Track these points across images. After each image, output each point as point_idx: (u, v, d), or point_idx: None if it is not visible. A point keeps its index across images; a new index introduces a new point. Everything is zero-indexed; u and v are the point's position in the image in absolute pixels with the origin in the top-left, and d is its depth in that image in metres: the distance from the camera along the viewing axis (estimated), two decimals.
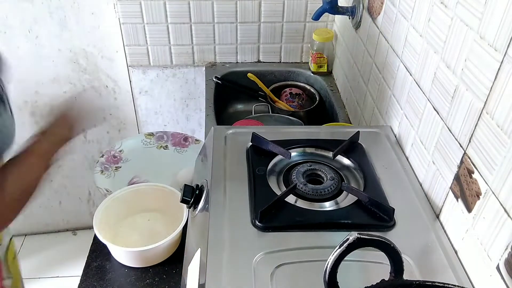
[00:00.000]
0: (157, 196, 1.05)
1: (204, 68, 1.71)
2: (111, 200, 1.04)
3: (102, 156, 1.21)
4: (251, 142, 0.94)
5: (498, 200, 0.63)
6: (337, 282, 0.56)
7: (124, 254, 0.97)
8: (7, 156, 0.83)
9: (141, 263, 0.98)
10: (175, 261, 0.99)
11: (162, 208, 1.07)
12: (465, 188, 0.72)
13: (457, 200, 0.74)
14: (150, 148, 1.29)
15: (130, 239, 1.04)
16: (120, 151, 1.24)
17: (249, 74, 1.55)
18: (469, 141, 0.71)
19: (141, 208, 1.09)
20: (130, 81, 1.76)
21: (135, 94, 1.80)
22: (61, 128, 0.89)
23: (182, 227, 0.97)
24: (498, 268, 0.63)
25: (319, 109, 1.56)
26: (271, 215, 0.76)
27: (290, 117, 1.43)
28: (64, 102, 0.93)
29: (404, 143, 0.97)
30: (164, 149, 1.30)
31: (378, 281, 0.55)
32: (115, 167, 1.19)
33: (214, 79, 1.58)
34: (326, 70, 1.62)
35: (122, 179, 1.16)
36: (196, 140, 1.34)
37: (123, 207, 1.06)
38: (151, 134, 1.32)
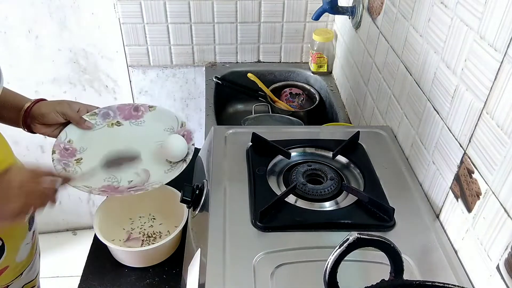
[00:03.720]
0: (157, 196, 1.05)
1: (204, 68, 1.71)
2: (111, 200, 1.03)
3: (54, 152, 1.02)
4: (251, 142, 0.94)
5: (498, 200, 0.63)
6: (337, 282, 0.56)
7: (124, 254, 0.97)
8: None
9: (141, 263, 0.98)
10: (175, 261, 0.99)
11: (162, 207, 1.07)
12: (465, 188, 0.72)
13: (457, 200, 0.74)
14: (100, 129, 1.09)
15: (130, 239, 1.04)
16: (69, 141, 1.05)
17: (249, 74, 1.55)
18: (469, 141, 0.71)
19: (141, 208, 1.09)
20: (130, 81, 1.76)
21: (135, 94, 1.79)
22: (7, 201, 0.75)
23: (182, 227, 0.96)
24: (498, 268, 0.63)
25: (319, 109, 1.56)
26: (271, 215, 0.76)
27: (290, 117, 1.43)
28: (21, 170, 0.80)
29: (404, 143, 0.97)
30: (117, 125, 1.11)
31: (378, 281, 0.55)
32: (75, 160, 1.02)
33: (214, 79, 1.58)
34: (326, 70, 1.62)
35: (92, 169, 0.98)
36: (150, 106, 1.14)
37: (123, 207, 1.06)
38: (94, 114, 1.10)
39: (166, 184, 0.97)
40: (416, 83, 0.91)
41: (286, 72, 1.69)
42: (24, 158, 1.00)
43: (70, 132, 1.05)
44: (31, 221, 0.98)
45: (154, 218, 1.09)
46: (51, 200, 0.80)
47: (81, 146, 1.05)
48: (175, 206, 0.99)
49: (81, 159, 1.03)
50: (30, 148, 1.91)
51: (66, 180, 0.83)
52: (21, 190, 0.75)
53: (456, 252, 0.74)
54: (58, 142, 1.04)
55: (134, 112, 1.13)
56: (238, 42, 1.67)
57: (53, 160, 1.00)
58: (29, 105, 0.98)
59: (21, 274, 0.97)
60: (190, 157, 0.99)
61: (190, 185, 0.92)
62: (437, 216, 0.81)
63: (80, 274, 0.97)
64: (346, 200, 0.82)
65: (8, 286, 0.94)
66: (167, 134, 1.06)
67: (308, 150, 0.95)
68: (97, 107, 1.10)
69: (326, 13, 1.41)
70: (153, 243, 1.00)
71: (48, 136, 1.04)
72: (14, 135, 1.01)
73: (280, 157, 0.92)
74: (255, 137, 0.93)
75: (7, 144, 0.92)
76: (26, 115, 0.98)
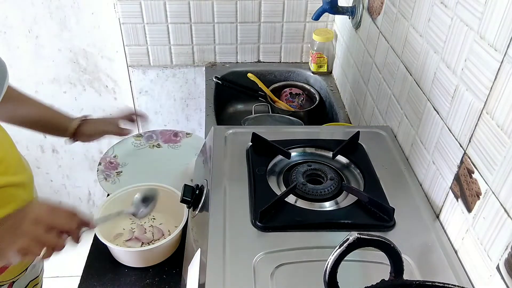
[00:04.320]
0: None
1: (204, 68, 1.71)
2: (110, 200, 1.03)
3: (100, 164, 1.23)
4: (251, 142, 0.94)
5: (498, 200, 0.63)
6: (337, 282, 0.56)
7: (124, 254, 0.97)
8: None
9: (141, 263, 0.98)
10: (175, 261, 0.99)
11: (162, 207, 1.07)
12: (465, 188, 0.72)
13: (457, 200, 0.74)
14: (143, 149, 1.30)
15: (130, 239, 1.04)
16: (115, 156, 1.26)
17: (249, 74, 1.55)
18: (469, 141, 0.71)
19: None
20: (130, 81, 1.76)
21: (135, 94, 1.80)
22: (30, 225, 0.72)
23: (182, 227, 0.96)
24: (498, 268, 0.63)
25: (319, 109, 1.56)
26: (271, 215, 0.76)
27: (290, 117, 1.43)
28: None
29: (404, 143, 0.97)
30: (157, 147, 1.31)
31: (378, 281, 0.55)
32: (116, 172, 1.22)
33: (214, 79, 1.58)
34: (326, 70, 1.62)
35: (127, 182, 1.17)
36: (187, 133, 1.35)
37: (122, 207, 1.06)
38: (140, 136, 1.33)
39: (166, 184, 0.99)
40: (416, 83, 0.91)
41: (286, 72, 1.69)
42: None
43: (117, 149, 1.27)
44: None
45: (154, 218, 1.09)
46: (66, 242, 0.76)
47: (123, 161, 1.25)
48: (175, 206, 0.99)
49: (121, 172, 1.22)
50: (30, 148, 1.91)
51: (86, 224, 0.78)
52: (34, 225, 0.71)
53: (456, 252, 0.74)
54: (105, 156, 1.25)
55: (174, 137, 1.33)
56: (238, 42, 1.67)
57: (97, 170, 1.20)
58: (74, 128, 1.06)
59: (26, 270, 0.97)
60: None
61: (190, 185, 0.92)
62: (437, 216, 0.81)
63: (80, 274, 0.97)
64: (346, 200, 0.82)
65: (13, 282, 0.94)
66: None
67: (308, 150, 0.95)
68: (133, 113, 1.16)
69: (326, 13, 1.41)
70: (153, 243, 1.00)
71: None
72: (13, 134, 1.01)
73: (280, 157, 0.92)
74: (255, 137, 0.93)
75: (10, 140, 0.92)
76: (71, 136, 1.07)
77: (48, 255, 0.74)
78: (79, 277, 0.96)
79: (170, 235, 0.96)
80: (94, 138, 1.09)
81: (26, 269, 0.97)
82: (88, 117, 1.10)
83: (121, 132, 1.10)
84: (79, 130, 1.06)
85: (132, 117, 1.12)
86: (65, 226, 0.75)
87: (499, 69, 0.63)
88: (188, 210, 0.93)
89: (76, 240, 0.77)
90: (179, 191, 1.03)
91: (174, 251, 1.01)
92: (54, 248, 0.74)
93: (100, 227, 0.97)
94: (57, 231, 0.74)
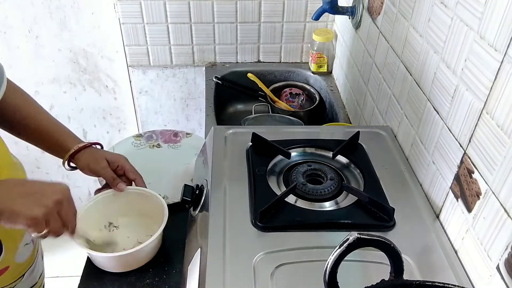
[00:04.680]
0: (137, 200, 1.00)
1: (204, 68, 1.71)
2: (90, 205, 0.97)
3: None
4: (251, 142, 0.94)
5: (498, 200, 0.63)
6: (337, 282, 0.56)
7: (100, 260, 0.93)
8: None
9: (119, 268, 0.94)
10: (175, 261, 0.99)
11: (142, 212, 1.02)
12: (465, 188, 0.72)
13: (457, 200, 0.74)
14: (143, 148, 1.29)
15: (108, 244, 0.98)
16: None
17: (249, 74, 1.55)
18: (469, 141, 0.71)
19: (121, 212, 1.02)
20: (130, 81, 1.76)
21: (135, 94, 1.80)
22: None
23: (161, 231, 0.91)
24: (498, 268, 0.63)
25: (319, 109, 1.56)
26: (271, 215, 0.76)
27: (290, 117, 1.43)
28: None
29: (404, 143, 0.97)
30: (157, 147, 1.31)
31: (378, 281, 0.55)
32: None
33: (214, 79, 1.58)
34: (326, 70, 1.62)
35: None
36: (187, 133, 1.34)
37: (102, 212, 1.00)
38: (140, 136, 1.33)
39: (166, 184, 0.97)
40: (416, 83, 0.91)
41: (286, 72, 1.69)
42: (24, 158, 1.00)
43: (117, 149, 1.24)
44: None
45: (134, 223, 1.03)
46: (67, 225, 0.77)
47: None
48: (156, 210, 0.95)
49: None
50: (30, 148, 1.90)
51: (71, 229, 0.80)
52: (55, 204, 0.73)
53: (456, 252, 0.74)
54: None
55: (174, 137, 1.32)
56: (238, 42, 1.67)
57: None
58: (74, 150, 0.97)
59: (23, 276, 0.96)
60: None
61: (190, 185, 0.92)
62: (437, 216, 0.81)
63: (80, 274, 0.97)
64: (346, 200, 0.82)
65: None
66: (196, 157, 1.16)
67: (308, 150, 0.95)
68: (135, 172, 1.04)
69: (326, 13, 1.41)
70: (132, 248, 0.92)
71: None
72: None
73: (280, 157, 0.92)
74: (255, 137, 0.93)
75: (3, 143, 0.90)
76: (69, 160, 0.98)
77: (44, 236, 0.75)
78: (79, 277, 0.96)
79: (149, 239, 0.90)
80: (87, 173, 0.99)
81: (23, 275, 0.95)
82: (95, 146, 1.01)
83: (113, 183, 0.97)
84: (77, 157, 0.97)
85: (130, 176, 1.01)
86: (71, 220, 0.78)
87: (499, 69, 0.63)
88: (189, 211, 0.93)
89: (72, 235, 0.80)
90: (153, 191, 0.99)
91: (154, 254, 0.96)
92: (56, 232, 0.76)
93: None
94: (63, 220, 0.76)
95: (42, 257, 1.07)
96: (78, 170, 1.00)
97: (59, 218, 0.75)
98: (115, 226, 1.01)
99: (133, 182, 1.01)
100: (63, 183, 0.79)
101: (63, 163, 0.99)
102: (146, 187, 1.01)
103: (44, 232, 0.74)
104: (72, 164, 0.99)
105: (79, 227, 0.84)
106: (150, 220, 0.98)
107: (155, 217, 0.96)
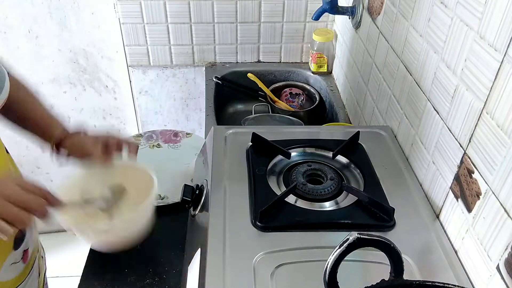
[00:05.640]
0: (123, 174, 0.91)
1: (204, 68, 1.71)
2: (72, 179, 0.92)
3: None
4: (251, 142, 0.94)
5: (498, 200, 0.63)
6: (337, 282, 0.56)
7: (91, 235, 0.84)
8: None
9: (109, 247, 0.87)
10: (175, 261, 0.99)
11: (129, 186, 0.91)
12: (465, 188, 0.72)
13: (457, 200, 0.74)
14: (143, 148, 1.29)
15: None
16: None
17: (249, 74, 1.55)
18: (469, 141, 0.71)
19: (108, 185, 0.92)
20: (130, 81, 1.76)
21: (135, 94, 1.80)
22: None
23: (150, 203, 0.84)
24: (498, 268, 0.63)
25: (319, 109, 1.56)
26: (271, 215, 0.76)
27: (290, 117, 1.43)
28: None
29: (404, 143, 0.97)
30: (157, 147, 1.31)
31: (378, 281, 0.55)
32: None
33: (214, 79, 1.58)
34: (326, 70, 1.62)
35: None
36: (187, 133, 1.35)
37: (86, 186, 0.91)
38: (140, 135, 1.33)
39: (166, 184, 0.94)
40: (416, 83, 0.91)
41: (286, 72, 1.69)
42: (24, 158, 1.00)
43: None
44: (18, 240, 0.88)
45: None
46: (37, 215, 0.70)
47: None
48: (143, 185, 0.87)
49: None
50: (30, 148, 1.91)
51: (53, 202, 0.73)
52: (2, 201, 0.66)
53: (456, 252, 0.74)
54: None
55: (174, 137, 1.33)
56: (238, 42, 1.67)
57: None
58: (60, 137, 0.91)
59: None
60: None
61: (190, 185, 0.92)
62: (437, 216, 0.81)
63: (80, 274, 0.97)
64: (346, 200, 0.82)
65: None
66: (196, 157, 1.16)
67: (308, 150, 0.95)
68: (129, 141, 0.98)
69: (326, 13, 1.41)
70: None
71: None
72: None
73: (280, 157, 0.92)
74: (255, 137, 0.93)
75: (3, 148, 0.87)
76: (55, 147, 0.92)
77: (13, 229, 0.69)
78: (79, 277, 0.96)
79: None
80: (75, 156, 0.93)
81: None
82: (83, 130, 0.94)
83: (104, 159, 0.90)
84: (65, 143, 0.91)
85: (120, 143, 0.94)
86: (32, 202, 0.70)
87: (499, 69, 0.63)
88: (187, 204, 0.88)
89: (43, 216, 0.72)
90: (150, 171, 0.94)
91: (145, 234, 0.90)
92: (19, 222, 0.69)
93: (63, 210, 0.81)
94: (24, 207, 0.69)
95: (43, 274, 1.02)
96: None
97: (13, 205, 0.68)
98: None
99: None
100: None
101: (51, 148, 0.92)
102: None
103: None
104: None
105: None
106: (136, 194, 0.88)
107: (142, 191, 0.86)
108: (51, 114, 0.96)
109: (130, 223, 0.84)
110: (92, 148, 0.90)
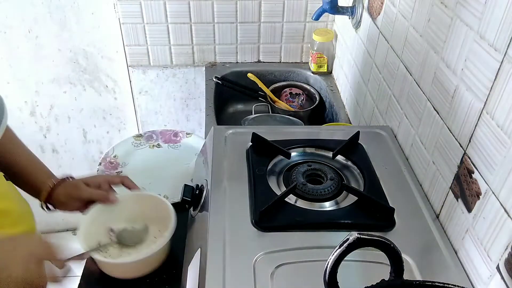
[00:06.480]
0: (145, 205, 0.96)
1: (204, 68, 1.71)
2: (95, 210, 0.93)
3: (100, 164, 1.21)
4: (251, 142, 0.94)
5: (498, 200, 0.63)
6: (337, 282, 0.56)
7: (109, 267, 0.91)
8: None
9: (127, 275, 0.91)
10: (175, 261, 0.99)
11: (150, 217, 0.97)
12: (465, 188, 0.72)
13: (457, 200, 0.74)
14: (143, 149, 1.29)
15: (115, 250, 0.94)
16: (115, 156, 1.25)
17: (249, 74, 1.55)
18: (469, 141, 0.71)
19: (127, 217, 0.97)
20: (130, 81, 1.76)
21: (135, 94, 1.80)
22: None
23: (169, 237, 0.88)
24: (498, 268, 0.63)
25: (319, 109, 1.56)
26: (271, 215, 0.76)
27: (290, 117, 1.43)
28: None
29: (404, 143, 0.97)
30: (157, 147, 1.31)
31: (378, 281, 0.55)
32: (116, 172, 1.20)
33: (214, 79, 1.58)
34: (326, 70, 1.62)
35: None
36: (187, 133, 1.34)
37: (108, 217, 0.95)
38: (140, 136, 1.33)
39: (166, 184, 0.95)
40: (416, 83, 0.91)
41: (286, 72, 1.69)
42: None
43: (118, 149, 1.26)
44: None
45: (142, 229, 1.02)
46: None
47: (123, 161, 1.23)
48: (164, 216, 0.91)
49: (121, 172, 1.19)
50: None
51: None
52: (27, 259, 0.69)
53: (456, 252, 0.74)
54: (105, 156, 1.23)
55: (174, 137, 1.33)
56: (238, 42, 1.67)
57: (97, 171, 1.18)
58: (48, 191, 0.91)
59: None
60: None
61: (190, 185, 0.92)
62: (437, 216, 0.81)
63: (80, 274, 0.97)
64: (346, 200, 0.82)
65: None
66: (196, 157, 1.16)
67: (308, 150, 0.95)
68: (118, 176, 1.01)
69: (326, 13, 1.41)
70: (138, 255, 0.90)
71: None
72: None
73: (280, 157, 0.92)
74: (255, 137, 0.93)
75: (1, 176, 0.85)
76: (45, 201, 0.92)
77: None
78: (79, 277, 0.96)
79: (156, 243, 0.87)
80: (72, 208, 0.92)
81: None
82: (69, 178, 0.93)
83: (107, 198, 0.91)
84: (55, 194, 0.90)
85: (116, 181, 0.96)
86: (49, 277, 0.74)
87: (499, 69, 0.63)
88: (189, 213, 0.93)
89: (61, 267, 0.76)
90: (166, 199, 0.95)
91: (163, 260, 0.92)
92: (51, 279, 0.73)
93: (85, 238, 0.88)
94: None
95: None
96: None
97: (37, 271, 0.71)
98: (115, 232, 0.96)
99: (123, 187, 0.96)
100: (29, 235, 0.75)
101: (41, 204, 0.93)
102: (136, 185, 0.96)
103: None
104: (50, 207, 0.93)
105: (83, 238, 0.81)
106: (151, 222, 0.95)
107: (156, 218, 0.93)
108: (35, 162, 0.95)
109: (153, 257, 0.88)
110: (89, 193, 0.91)
